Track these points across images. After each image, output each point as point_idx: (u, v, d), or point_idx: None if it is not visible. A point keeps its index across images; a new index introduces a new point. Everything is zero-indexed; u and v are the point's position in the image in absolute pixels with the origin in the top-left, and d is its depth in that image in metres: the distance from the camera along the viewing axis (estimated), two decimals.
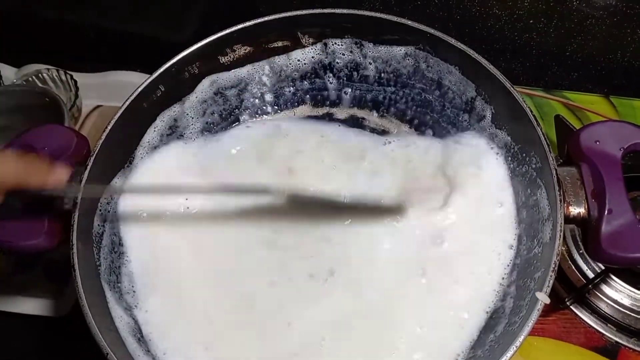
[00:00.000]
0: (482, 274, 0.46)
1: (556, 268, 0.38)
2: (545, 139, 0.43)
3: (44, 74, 0.77)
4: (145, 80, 0.49)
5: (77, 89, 0.76)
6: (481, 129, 0.51)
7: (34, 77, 0.77)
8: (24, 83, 0.76)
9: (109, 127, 0.47)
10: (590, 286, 0.51)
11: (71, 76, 0.77)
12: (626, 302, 0.52)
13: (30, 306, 0.61)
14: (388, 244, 0.48)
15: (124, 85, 0.80)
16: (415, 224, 0.48)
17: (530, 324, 0.36)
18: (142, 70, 0.80)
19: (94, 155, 0.45)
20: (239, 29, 0.51)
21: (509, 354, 0.36)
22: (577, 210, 0.42)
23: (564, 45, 0.67)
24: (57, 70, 0.77)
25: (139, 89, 0.49)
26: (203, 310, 0.47)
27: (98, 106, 0.80)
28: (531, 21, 0.65)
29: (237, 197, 0.50)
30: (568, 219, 0.42)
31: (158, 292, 0.47)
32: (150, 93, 0.50)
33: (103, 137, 0.46)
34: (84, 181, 0.44)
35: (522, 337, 0.36)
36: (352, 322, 0.45)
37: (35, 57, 0.81)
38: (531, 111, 0.45)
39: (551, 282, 0.38)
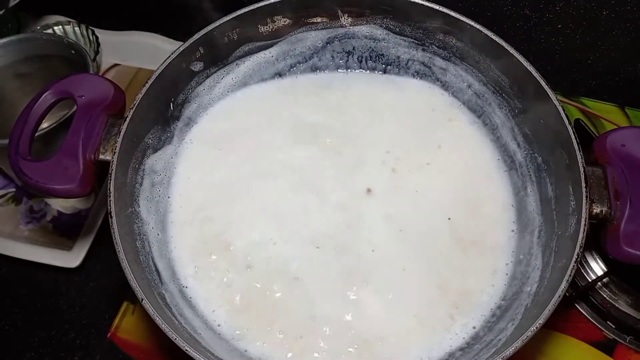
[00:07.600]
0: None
1: (579, 259, 0.40)
2: (575, 138, 0.45)
3: (65, 27, 0.76)
4: (188, 41, 0.49)
5: (98, 44, 0.75)
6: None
7: (54, 28, 0.76)
8: (48, 33, 0.74)
9: (150, 82, 0.47)
10: (594, 285, 0.53)
11: (93, 32, 0.76)
12: (627, 301, 0.55)
13: (41, 255, 0.61)
14: None
15: (143, 46, 0.79)
16: None
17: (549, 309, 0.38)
18: (163, 34, 0.79)
19: (134, 107, 0.45)
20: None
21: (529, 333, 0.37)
22: (599, 208, 0.44)
23: (588, 53, 0.69)
24: (79, 25, 0.76)
25: (181, 48, 0.49)
26: None
27: (115, 65, 0.79)
28: (559, 26, 0.66)
29: None
30: (590, 216, 0.44)
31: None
32: (191, 53, 0.51)
33: (143, 91, 0.46)
34: (122, 134, 0.44)
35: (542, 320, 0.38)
36: None
37: (54, 8, 0.80)
38: (563, 109, 0.46)
39: (573, 272, 0.40)
